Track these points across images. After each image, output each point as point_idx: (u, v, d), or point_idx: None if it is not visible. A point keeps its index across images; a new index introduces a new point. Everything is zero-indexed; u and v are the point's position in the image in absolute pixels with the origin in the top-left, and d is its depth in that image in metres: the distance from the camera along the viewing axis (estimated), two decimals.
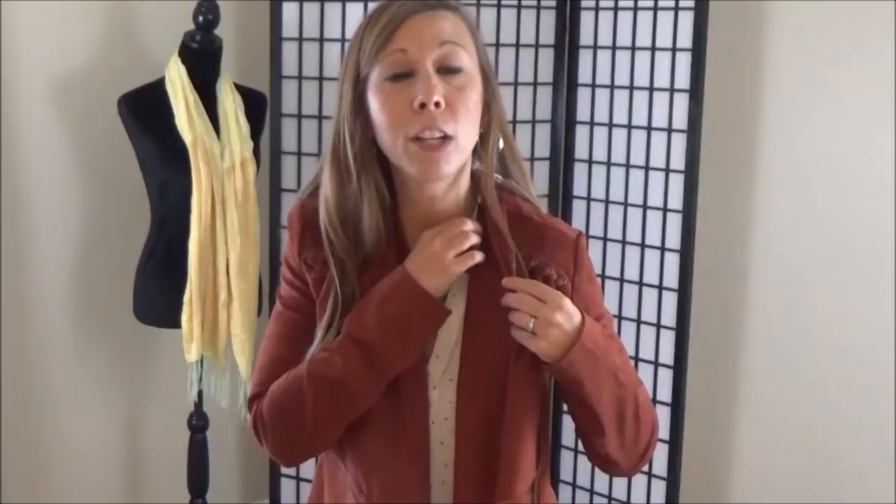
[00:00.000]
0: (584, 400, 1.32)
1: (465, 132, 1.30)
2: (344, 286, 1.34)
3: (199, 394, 2.60)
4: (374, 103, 1.31)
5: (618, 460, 1.39)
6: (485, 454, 1.33)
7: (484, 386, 1.33)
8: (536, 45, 2.59)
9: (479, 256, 1.33)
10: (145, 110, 2.43)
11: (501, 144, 1.39)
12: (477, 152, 1.38)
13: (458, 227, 1.33)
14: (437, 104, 1.26)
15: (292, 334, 1.39)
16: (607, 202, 2.62)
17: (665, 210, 2.51)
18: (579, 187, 2.66)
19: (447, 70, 1.30)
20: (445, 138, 1.28)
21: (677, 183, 2.48)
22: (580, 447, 2.69)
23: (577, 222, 2.64)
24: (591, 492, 2.69)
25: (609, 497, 2.66)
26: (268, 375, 1.39)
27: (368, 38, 1.31)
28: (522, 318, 1.29)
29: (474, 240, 1.34)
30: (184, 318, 2.43)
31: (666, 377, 2.54)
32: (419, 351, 1.32)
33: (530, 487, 1.37)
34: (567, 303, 1.30)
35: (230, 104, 2.47)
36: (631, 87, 2.54)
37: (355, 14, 2.53)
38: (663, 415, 2.54)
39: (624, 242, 2.60)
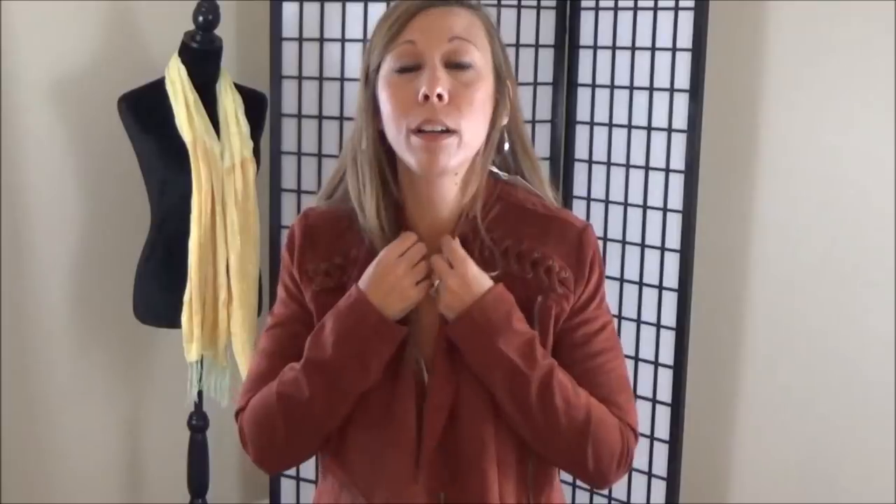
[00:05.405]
0: (479, 377, 1.31)
1: (470, 128, 1.30)
2: None
3: (199, 394, 2.60)
4: (382, 95, 1.32)
5: (548, 456, 1.37)
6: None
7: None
8: (536, 45, 2.59)
9: (436, 282, 1.33)
10: (145, 110, 2.43)
11: (507, 147, 1.38)
12: (485, 150, 1.37)
13: (420, 251, 1.34)
14: (439, 97, 1.26)
15: (282, 349, 1.38)
16: (607, 202, 2.62)
17: (665, 210, 2.51)
18: (579, 187, 2.66)
19: (455, 65, 1.30)
20: (447, 132, 1.28)
21: (677, 183, 2.48)
22: None
23: None
24: (591, 492, 2.69)
25: (609, 497, 2.66)
26: (253, 389, 1.40)
27: (381, 31, 1.33)
28: (433, 278, 1.33)
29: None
30: (184, 318, 2.43)
31: (666, 377, 2.54)
32: (379, 369, 1.32)
33: (515, 488, 1.36)
34: (471, 273, 1.31)
35: (230, 104, 2.48)
36: (631, 87, 2.54)
37: (355, 14, 2.53)
38: (663, 415, 2.54)
39: (624, 242, 2.60)
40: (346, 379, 1.31)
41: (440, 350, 1.33)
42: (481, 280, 1.32)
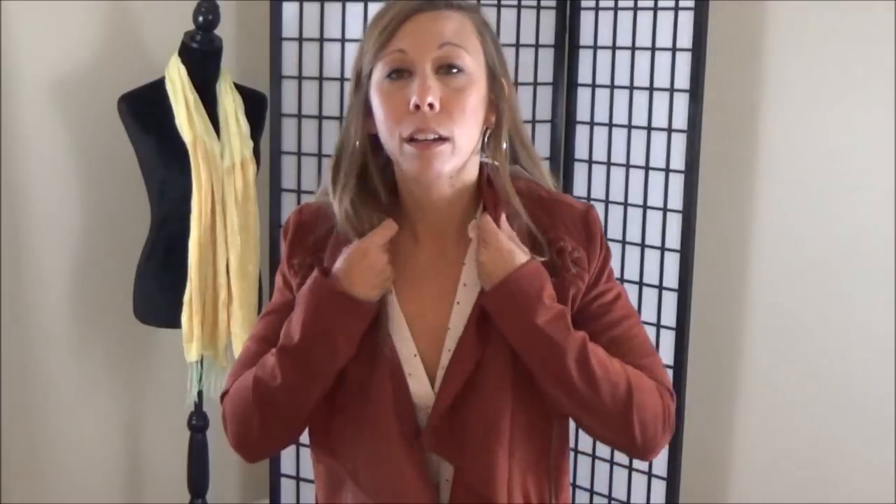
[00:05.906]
0: (517, 351, 1.32)
1: (463, 134, 1.30)
2: None
3: (199, 394, 2.60)
4: (374, 101, 1.32)
5: (597, 432, 1.37)
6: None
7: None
8: (536, 45, 2.59)
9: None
10: (145, 110, 2.43)
11: (505, 145, 1.38)
12: (486, 149, 1.38)
13: (390, 229, 1.34)
14: (430, 106, 1.27)
15: (272, 335, 1.39)
16: (607, 202, 2.62)
17: (665, 210, 2.51)
18: (579, 187, 2.67)
19: (446, 71, 1.30)
20: (440, 139, 1.28)
21: (677, 183, 2.48)
22: (580, 447, 2.69)
23: None
24: (591, 492, 2.69)
25: (609, 497, 2.66)
26: (239, 373, 1.41)
27: (372, 36, 1.32)
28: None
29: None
30: (184, 318, 2.43)
31: None
32: (348, 348, 1.32)
33: (525, 482, 1.37)
34: (505, 248, 1.32)
35: (230, 104, 2.48)
36: (631, 87, 2.54)
37: (355, 14, 2.53)
38: None
39: (624, 242, 2.60)
40: (314, 359, 1.31)
41: (472, 319, 1.34)
42: (516, 255, 1.32)
